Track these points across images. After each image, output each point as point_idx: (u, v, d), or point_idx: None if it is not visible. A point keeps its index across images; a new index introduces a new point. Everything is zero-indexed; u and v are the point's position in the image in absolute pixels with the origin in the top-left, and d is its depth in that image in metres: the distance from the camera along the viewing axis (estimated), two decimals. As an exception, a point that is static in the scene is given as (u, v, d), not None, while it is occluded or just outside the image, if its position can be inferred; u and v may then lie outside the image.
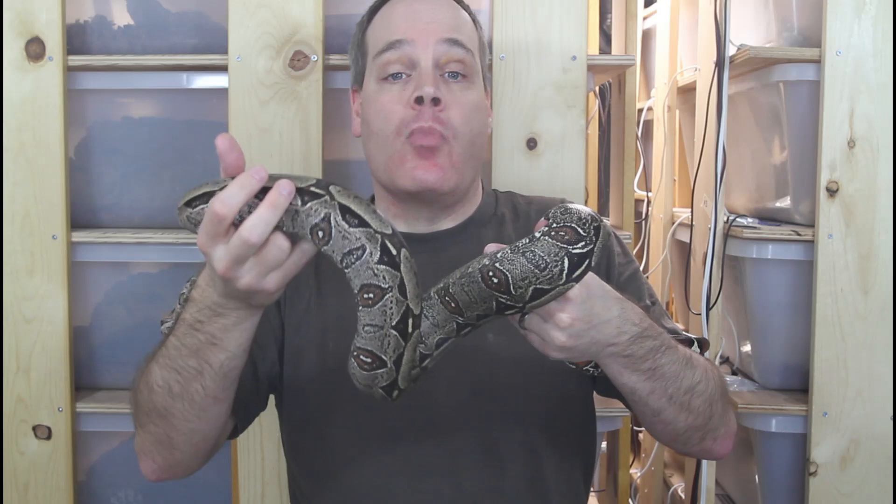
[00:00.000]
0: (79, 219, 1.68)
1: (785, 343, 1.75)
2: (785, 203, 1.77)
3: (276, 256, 0.85)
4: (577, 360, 0.98)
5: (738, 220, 1.77)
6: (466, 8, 1.25)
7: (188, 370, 0.97)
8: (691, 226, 1.94)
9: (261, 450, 1.61)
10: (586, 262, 0.89)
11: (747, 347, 1.86)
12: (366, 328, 0.87)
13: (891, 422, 1.63)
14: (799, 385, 1.74)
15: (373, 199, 1.26)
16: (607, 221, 1.98)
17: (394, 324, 0.86)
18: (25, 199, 1.61)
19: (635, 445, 2.40)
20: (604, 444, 2.16)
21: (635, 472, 2.35)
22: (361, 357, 0.88)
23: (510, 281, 0.88)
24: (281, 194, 0.82)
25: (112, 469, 1.74)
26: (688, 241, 2.00)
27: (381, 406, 1.14)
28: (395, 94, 1.16)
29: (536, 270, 0.87)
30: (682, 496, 2.08)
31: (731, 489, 2.03)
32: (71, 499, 1.65)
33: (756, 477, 1.80)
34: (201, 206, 0.86)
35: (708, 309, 1.76)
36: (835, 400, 1.64)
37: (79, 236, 1.64)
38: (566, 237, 0.88)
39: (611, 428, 1.74)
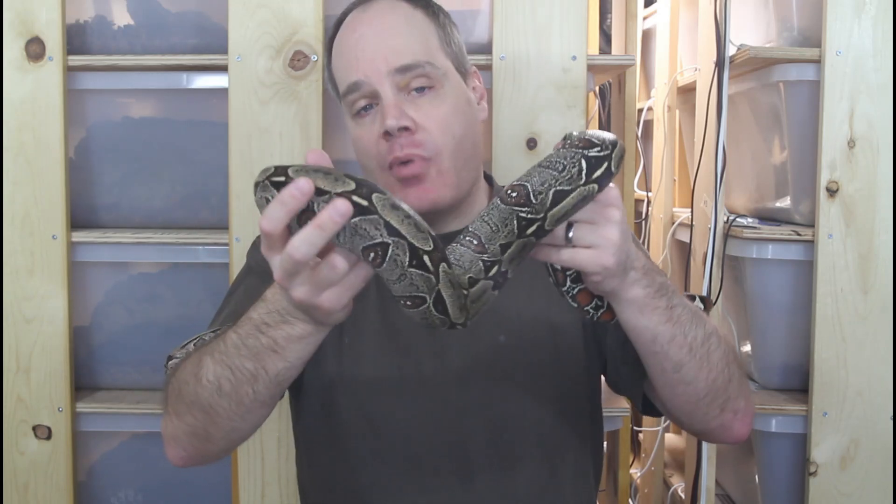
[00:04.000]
0: (79, 219, 1.68)
1: (785, 343, 1.75)
2: (785, 203, 1.77)
3: (329, 276, 0.81)
4: (602, 286, 0.93)
5: (738, 220, 1.77)
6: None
7: (243, 371, 0.93)
8: (691, 226, 1.94)
9: (261, 450, 1.61)
10: (604, 166, 0.87)
11: (747, 347, 1.86)
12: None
13: (891, 422, 1.63)
14: (799, 385, 1.74)
15: None
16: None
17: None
18: (25, 199, 1.61)
19: (635, 445, 2.40)
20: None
21: (635, 472, 2.35)
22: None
23: (529, 190, 0.86)
24: (332, 217, 0.77)
25: (112, 469, 1.74)
26: (688, 241, 2.00)
27: (394, 404, 1.14)
28: (367, 127, 1.16)
29: (555, 173, 0.86)
30: (682, 496, 2.08)
31: (731, 489, 2.03)
32: (71, 499, 1.65)
33: (756, 477, 1.80)
34: (260, 196, 0.82)
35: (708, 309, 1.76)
36: (835, 400, 1.64)
37: (79, 236, 1.64)
38: (580, 145, 0.88)
39: (611, 428, 1.74)
